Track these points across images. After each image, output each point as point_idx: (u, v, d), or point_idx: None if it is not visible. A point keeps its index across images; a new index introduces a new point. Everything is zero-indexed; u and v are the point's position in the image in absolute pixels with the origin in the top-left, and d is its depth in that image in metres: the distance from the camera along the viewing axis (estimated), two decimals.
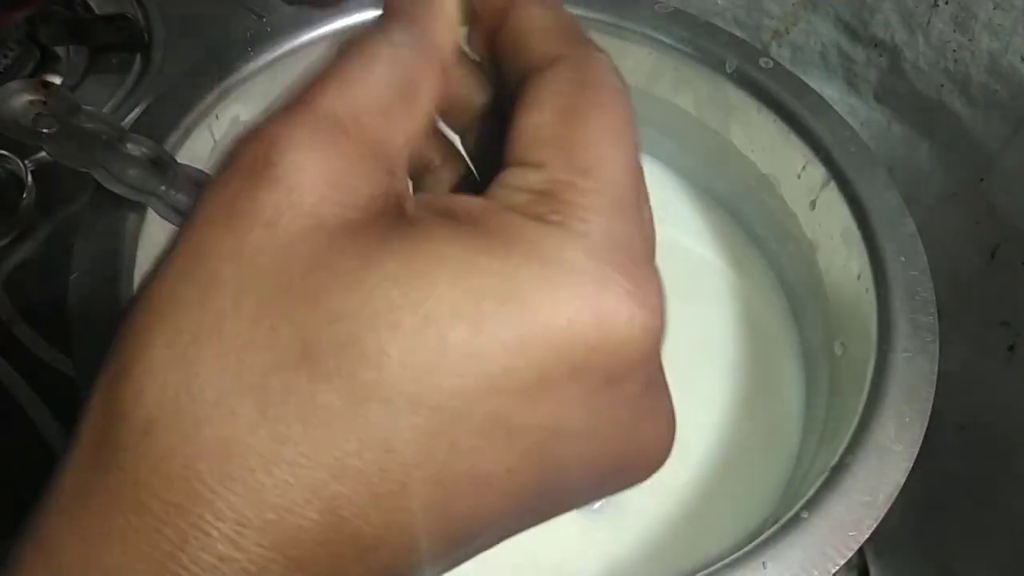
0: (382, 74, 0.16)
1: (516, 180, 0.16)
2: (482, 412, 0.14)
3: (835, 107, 0.53)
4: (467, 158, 0.21)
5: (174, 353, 0.13)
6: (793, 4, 0.51)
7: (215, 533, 0.13)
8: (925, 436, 0.31)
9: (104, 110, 0.51)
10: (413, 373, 0.13)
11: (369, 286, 0.14)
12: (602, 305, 0.14)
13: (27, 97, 0.32)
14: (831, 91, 0.52)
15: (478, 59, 0.20)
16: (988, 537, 0.50)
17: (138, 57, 0.54)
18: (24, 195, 0.47)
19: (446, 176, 0.21)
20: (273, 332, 0.13)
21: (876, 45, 0.48)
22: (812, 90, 0.39)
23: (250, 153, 0.14)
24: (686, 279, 0.42)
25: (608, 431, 0.15)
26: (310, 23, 0.39)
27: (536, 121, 0.16)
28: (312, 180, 0.14)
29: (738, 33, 0.55)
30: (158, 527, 0.13)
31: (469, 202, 0.15)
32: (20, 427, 0.42)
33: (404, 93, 0.16)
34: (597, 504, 0.36)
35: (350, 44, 0.16)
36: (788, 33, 0.53)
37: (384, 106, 0.15)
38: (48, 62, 0.53)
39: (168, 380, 0.13)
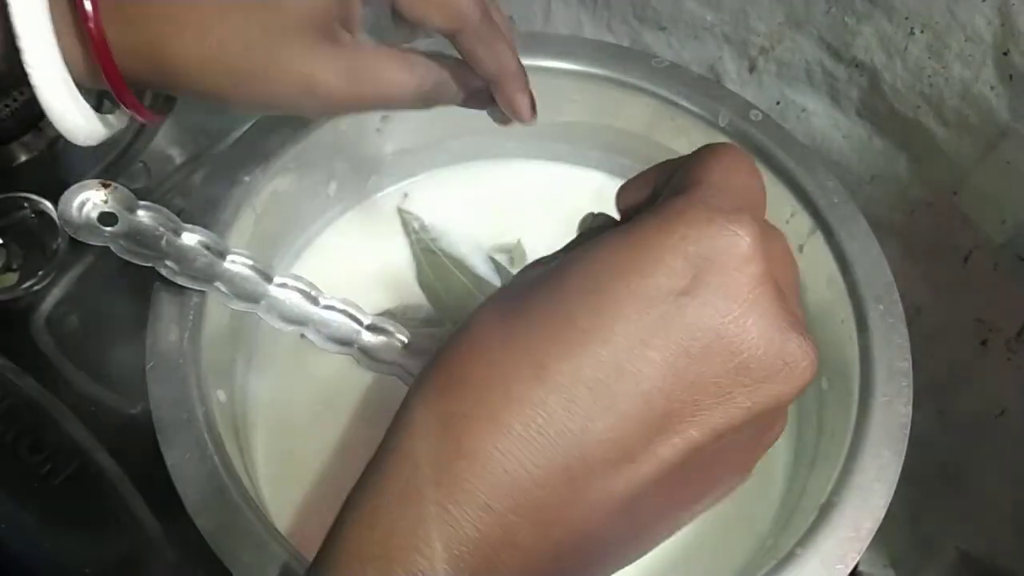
0: None
1: None
2: (713, 374, 0.20)
3: (819, 119, 0.55)
4: None
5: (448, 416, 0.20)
6: (779, 23, 0.53)
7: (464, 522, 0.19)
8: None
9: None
10: (657, 364, 0.20)
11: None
12: (785, 348, 0.21)
13: (90, 197, 0.35)
14: (815, 105, 0.54)
15: None
16: (963, 511, 0.54)
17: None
18: (59, 238, 0.49)
19: None
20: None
21: (857, 66, 0.50)
22: (799, 142, 0.41)
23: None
24: None
25: (764, 421, 0.22)
26: None
27: None
28: None
29: (726, 47, 0.57)
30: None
31: None
32: (71, 454, 0.45)
33: None
34: None
35: None
36: (774, 50, 0.55)
37: None
38: None
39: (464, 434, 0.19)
